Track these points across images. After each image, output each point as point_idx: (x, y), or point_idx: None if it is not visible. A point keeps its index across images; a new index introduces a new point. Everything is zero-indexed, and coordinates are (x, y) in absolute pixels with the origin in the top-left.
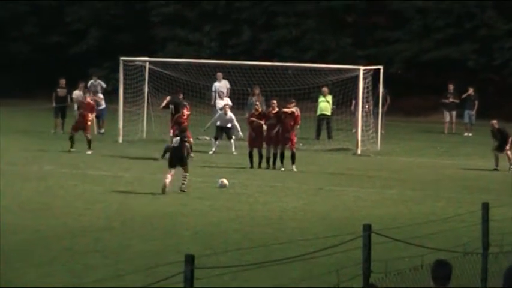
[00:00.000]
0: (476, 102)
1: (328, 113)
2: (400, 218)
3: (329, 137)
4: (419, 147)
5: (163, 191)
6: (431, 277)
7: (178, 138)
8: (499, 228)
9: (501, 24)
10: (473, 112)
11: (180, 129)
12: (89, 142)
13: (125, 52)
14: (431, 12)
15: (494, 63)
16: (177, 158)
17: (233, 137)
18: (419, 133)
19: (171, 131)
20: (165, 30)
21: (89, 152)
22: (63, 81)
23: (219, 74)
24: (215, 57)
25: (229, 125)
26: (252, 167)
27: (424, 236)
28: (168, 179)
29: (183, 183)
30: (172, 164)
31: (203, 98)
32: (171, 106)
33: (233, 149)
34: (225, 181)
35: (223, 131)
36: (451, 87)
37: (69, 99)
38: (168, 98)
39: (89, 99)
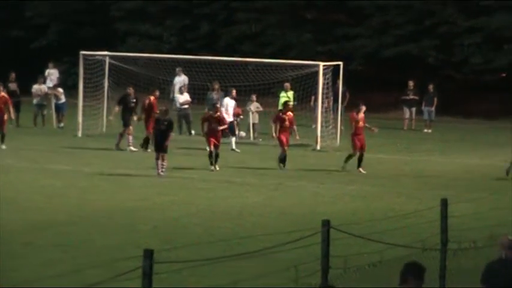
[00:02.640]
0: (436, 99)
1: None
2: (359, 214)
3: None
4: (378, 144)
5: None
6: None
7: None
8: (458, 224)
9: (461, 21)
10: (433, 108)
11: (162, 113)
12: (3, 137)
13: (85, 46)
14: (392, 8)
15: (454, 59)
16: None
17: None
18: (378, 129)
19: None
20: (126, 24)
21: (3, 147)
22: (13, 75)
23: (179, 69)
24: (175, 52)
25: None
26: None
27: (383, 232)
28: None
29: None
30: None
31: (163, 92)
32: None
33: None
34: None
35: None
36: (411, 83)
37: (18, 92)
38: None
39: (3, 94)
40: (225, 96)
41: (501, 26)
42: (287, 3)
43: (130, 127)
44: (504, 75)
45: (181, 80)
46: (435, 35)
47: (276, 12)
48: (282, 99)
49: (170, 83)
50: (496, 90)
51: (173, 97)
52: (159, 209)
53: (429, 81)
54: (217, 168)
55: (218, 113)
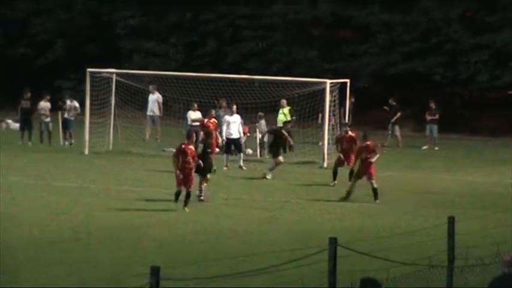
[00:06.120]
0: (438, 116)
1: None
2: (366, 231)
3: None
4: (385, 161)
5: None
6: None
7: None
8: (464, 241)
9: (467, 39)
10: (436, 125)
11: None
12: None
13: (91, 64)
14: (397, 26)
15: (460, 77)
16: (200, 166)
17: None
18: (384, 146)
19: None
20: (132, 42)
21: None
22: (28, 94)
23: (153, 87)
24: (181, 69)
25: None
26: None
27: (390, 249)
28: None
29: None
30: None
31: (169, 110)
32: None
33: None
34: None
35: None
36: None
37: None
38: None
39: None
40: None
41: (507, 42)
42: (293, 20)
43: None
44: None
45: (154, 98)
46: (441, 52)
47: (283, 29)
48: (279, 116)
49: (177, 100)
50: (502, 107)
51: (151, 115)
52: (165, 226)
53: (435, 98)
54: (187, 210)
55: (191, 146)
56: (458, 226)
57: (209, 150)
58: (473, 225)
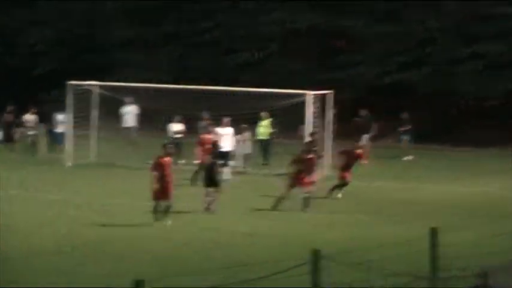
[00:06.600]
0: (410, 126)
1: (264, 137)
2: (351, 243)
3: (264, 162)
4: (370, 171)
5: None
6: None
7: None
8: (448, 252)
9: (459, 49)
10: (408, 136)
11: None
12: None
13: (79, 76)
14: (390, 36)
15: (446, 88)
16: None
17: None
18: (370, 157)
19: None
20: (118, 54)
21: None
22: (11, 107)
23: (129, 99)
24: (164, 82)
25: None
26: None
27: (375, 261)
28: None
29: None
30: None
31: (152, 122)
32: None
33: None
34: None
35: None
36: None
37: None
38: None
39: None
40: (217, 125)
41: (498, 53)
42: (283, 30)
43: None
44: (501, 103)
45: (129, 109)
46: (431, 62)
47: (274, 40)
48: (260, 129)
49: (159, 112)
50: (487, 118)
51: (129, 126)
52: (149, 239)
53: (424, 109)
54: (170, 223)
55: (167, 158)
56: (442, 237)
57: (216, 161)
58: (457, 236)
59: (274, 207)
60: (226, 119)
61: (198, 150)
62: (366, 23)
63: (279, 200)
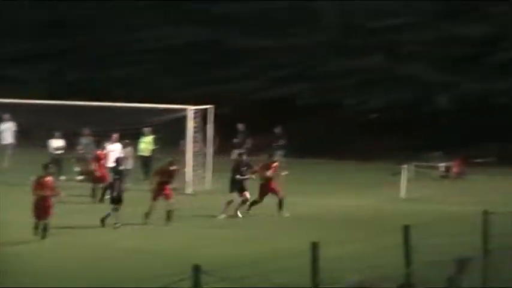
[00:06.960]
0: (283, 142)
1: (146, 153)
2: (233, 258)
3: (145, 178)
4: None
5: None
6: None
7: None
8: (330, 266)
9: (335, 63)
10: (282, 151)
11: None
12: None
13: None
14: (269, 50)
15: (327, 101)
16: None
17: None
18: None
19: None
20: None
21: None
22: None
23: (7, 115)
24: (43, 97)
25: None
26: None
27: (257, 275)
28: None
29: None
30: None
31: (31, 138)
32: None
33: None
34: None
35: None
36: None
37: None
38: None
39: None
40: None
41: (374, 67)
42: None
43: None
44: (376, 115)
45: (6, 127)
46: (308, 76)
47: (150, 54)
48: (141, 145)
49: (39, 128)
50: (370, 131)
51: (6, 143)
52: (35, 255)
53: (302, 123)
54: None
55: (48, 178)
56: (324, 250)
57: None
58: (341, 249)
59: (145, 221)
60: (115, 135)
61: (94, 167)
62: (244, 36)
63: (147, 214)
